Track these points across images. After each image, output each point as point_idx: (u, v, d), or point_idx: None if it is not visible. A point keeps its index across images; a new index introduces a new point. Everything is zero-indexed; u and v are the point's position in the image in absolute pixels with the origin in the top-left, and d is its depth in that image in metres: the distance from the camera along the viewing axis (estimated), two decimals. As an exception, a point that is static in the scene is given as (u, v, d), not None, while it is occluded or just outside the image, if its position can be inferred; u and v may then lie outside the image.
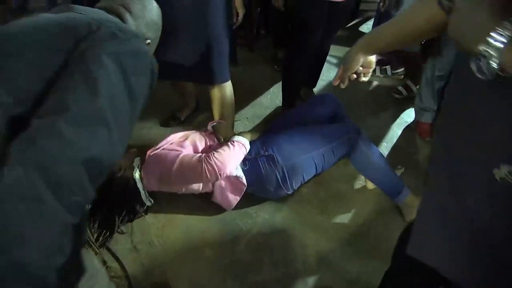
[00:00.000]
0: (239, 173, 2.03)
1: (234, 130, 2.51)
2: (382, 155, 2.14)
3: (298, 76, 2.67)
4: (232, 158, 1.98)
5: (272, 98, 3.07)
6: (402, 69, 3.21)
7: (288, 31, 3.22)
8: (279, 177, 2.04)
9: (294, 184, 2.08)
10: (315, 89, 3.04)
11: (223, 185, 2.03)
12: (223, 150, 1.98)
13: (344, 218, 2.17)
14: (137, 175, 1.98)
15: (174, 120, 2.76)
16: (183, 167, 1.93)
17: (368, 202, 2.25)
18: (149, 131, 2.72)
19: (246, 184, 2.03)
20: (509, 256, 0.81)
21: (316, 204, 2.23)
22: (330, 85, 3.18)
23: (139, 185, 1.97)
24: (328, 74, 3.26)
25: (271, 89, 3.16)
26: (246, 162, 2.06)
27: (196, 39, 1.98)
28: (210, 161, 1.92)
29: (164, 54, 1.58)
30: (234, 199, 2.07)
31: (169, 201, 2.17)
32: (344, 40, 3.61)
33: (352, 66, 1.28)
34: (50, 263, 0.78)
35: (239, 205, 2.14)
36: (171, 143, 2.08)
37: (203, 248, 2.02)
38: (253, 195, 2.14)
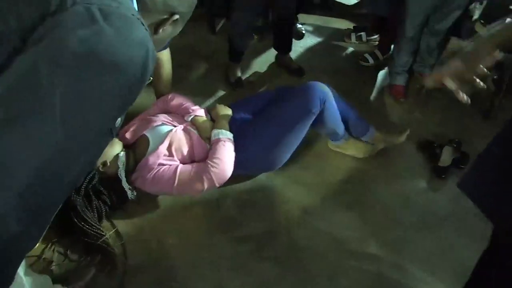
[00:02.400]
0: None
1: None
2: (347, 109, 2.29)
3: (235, 29, 2.78)
4: (230, 163, 1.99)
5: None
6: (377, 36, 3.31)
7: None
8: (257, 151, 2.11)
9: (277, 160, 2.16)
10: (293, 56, 3.13)
11: None
12: (218, 159, 1.95)
13: (324, 174, 2.30)
14: (122, 173, 1.97)
15: None
16: (183, 185, 1.92)
17: (347, 159, 2.38)
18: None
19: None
20: None
21: (299, 160, 2.34)
22: (308, 50, 3.28)
23: (125, 185, 1.97)
24: (305, 41, 3.35)
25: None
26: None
27: None
28: (210, 176, 1.91)
29: None
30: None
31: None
32: (318, 9, 3.71)
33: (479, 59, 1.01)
34: None
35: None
36: (162, 156, 1.98)
37: (192, 206, 2.11)
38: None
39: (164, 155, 1.97)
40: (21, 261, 0.92)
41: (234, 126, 2.14)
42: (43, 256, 1.84)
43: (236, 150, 2.04)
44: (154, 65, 0.91)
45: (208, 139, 2.09)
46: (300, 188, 2.22)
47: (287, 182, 2.24)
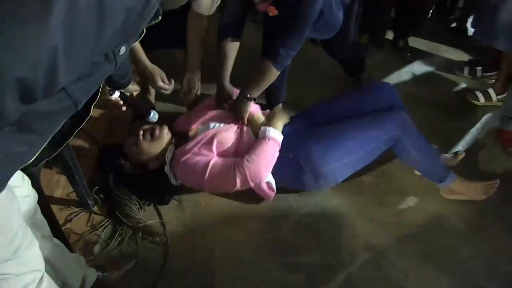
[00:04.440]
0: (269, 178, 1.94)
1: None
2: (428, 146, 2.03)
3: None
4: (267, 163, 1.90)
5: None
6: (494, 73, 2.98)
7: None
8: (306, 181, 1.98)
9: (325, 184, 2.04)
10: (394, 81, 2.91)
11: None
12: (256, 155, 1.87)
13: (402, 215, 2.07)
14: (167, 168, 1.96)
15: None
16: (214, 178, 1.87)
17: (431, 203, 2.12)
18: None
19: (275, 190, 1.96)
20: None
21: (376, 195, 2.14)
22: (412, 78, 3.04)
23: (172, 179, 1.97)
24: (411, 67, 3.13)
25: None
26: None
27: None
28: (243, 170, 1.84)
29: None
30: (268, 195, 1.98)
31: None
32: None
33: None
34: None
35: None
36: (200, 145, 1.96)
37: (249, 219, 2.00)
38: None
39: (203, 144, 1.92)
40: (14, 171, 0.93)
41: (295, 132, 2.05)
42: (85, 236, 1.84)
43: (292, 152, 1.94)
44: None
45: (256, 134, 1.99)
46: (372, 225, 2.01)
47: (358, 215, 2.05)
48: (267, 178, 1.92)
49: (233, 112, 2.09)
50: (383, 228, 1.99)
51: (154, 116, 1.83)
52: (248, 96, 2.01)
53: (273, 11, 1.87)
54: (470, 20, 3.20)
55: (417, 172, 2.17)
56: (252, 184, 1.87)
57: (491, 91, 2.79)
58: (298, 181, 2.00)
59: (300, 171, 1.94)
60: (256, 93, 2.04)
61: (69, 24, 0.71)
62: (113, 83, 1.43)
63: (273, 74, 1.97)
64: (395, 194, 2.16)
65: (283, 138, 1.97)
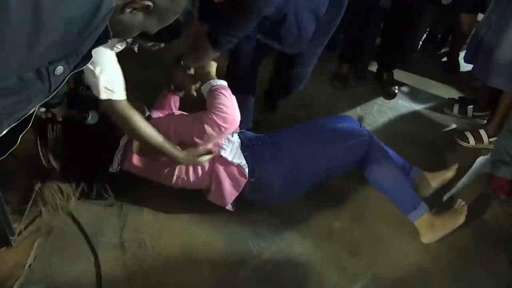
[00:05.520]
0: (242, 161, 1.86)
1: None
2: (397, 167, 2.03)
3: None
4: (235, 104, 1.86)
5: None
6: (487, 113, 2.82)
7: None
8: (283, 171, 1.88)
9: (300, 184, 1.92)
10: (379, 118, 2.75)
11: (221, 176, 1.84)
12: (221, 99, 1.83)
13: (377, 266, 1.86)
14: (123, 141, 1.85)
15: None
16: (182, 122, 1.85)
17: (410, 253, 1.92)
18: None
19: (247, 175, 1.85)
20: None
21: (347, 242, 1.94)
22: (397, 114, 2.86)
23: (114, 162, 1.83)
24: (395, 102, 2.95)
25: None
26: (246, 148, 1.90)
27: None
28: (216, 112, 1.78)
29: None
30: (231, 194, 1.87)
31: (173, 199, 1.96)
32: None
33: None
34: None
35: (254, 224, 1.92)
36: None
37: (202, 264, 1.79)
38: (271, 213, 1.92)
39: None
40: None
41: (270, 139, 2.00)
42: None
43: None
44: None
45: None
46: (342, 276, 1.79)
47: (327, 264, 1.83)
48: (239, 160, 1.85)
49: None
50: (355, 281, 1.79)
51: (93, 118, 1.74)
52: (182, 63, 1.99)
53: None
54: (462, 54, 3.08)
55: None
56: (229, 125, 1.80)
57: (482, 132, 2.63)
58: (272, 174, 1.90)
59: (278, 155, 1.91)
60: (192, 64, 2.01)
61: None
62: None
63: (212, 54, 1.90)
64: (369, 241, 1.96)
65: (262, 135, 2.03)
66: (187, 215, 1.95)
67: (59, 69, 0.83)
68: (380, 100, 2.88)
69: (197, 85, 2.00)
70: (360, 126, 2.24)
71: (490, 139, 2.60)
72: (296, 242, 1.91)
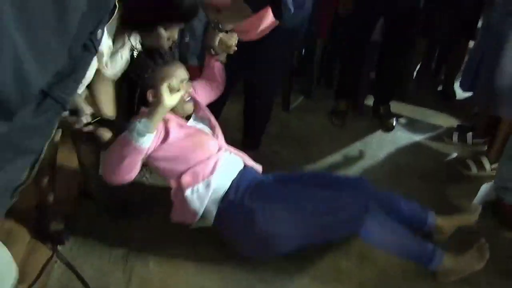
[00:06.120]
0: (208, 213, 1.84)
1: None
2: (398, 231, 1.85)
3: None
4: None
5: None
6: (486, 139, 2.82)
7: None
8: (252, 239, 1.83)
9: (276, 250, 1.87)
10: (379, 151, 2.74)
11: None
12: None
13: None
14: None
15: None
16: None
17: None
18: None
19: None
20: None
21: (357, 284, 1.88)
22: (397, 147, 2.86)
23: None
24: (393, 135, 2.97)
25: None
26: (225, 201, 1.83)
27: None
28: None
29: None
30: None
31: (179, 244, 1.97)
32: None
33: None
34: None
35: (264, 268, 1.88)
36: None
37: None
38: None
39: None
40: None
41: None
42: None
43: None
44: None
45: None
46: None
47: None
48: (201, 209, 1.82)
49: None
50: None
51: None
52: (221, 26, 1.99)
53: None
54: (457, 81, 3.09)
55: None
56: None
57: (484, 159, 2.62)
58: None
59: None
60: (230, 24, 2.02)
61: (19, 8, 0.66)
62: None
63: (248, 12, 1.92)
64: (382, 283, 1.90)
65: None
66: (193, 263, 1.90)
67: (99, 33, 0.88)
68: (379, 133, 2.90)
69: (235, 42, 2.03)
70: (368, 187, 2.03)
71: (493, 166, 2.59)
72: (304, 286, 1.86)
